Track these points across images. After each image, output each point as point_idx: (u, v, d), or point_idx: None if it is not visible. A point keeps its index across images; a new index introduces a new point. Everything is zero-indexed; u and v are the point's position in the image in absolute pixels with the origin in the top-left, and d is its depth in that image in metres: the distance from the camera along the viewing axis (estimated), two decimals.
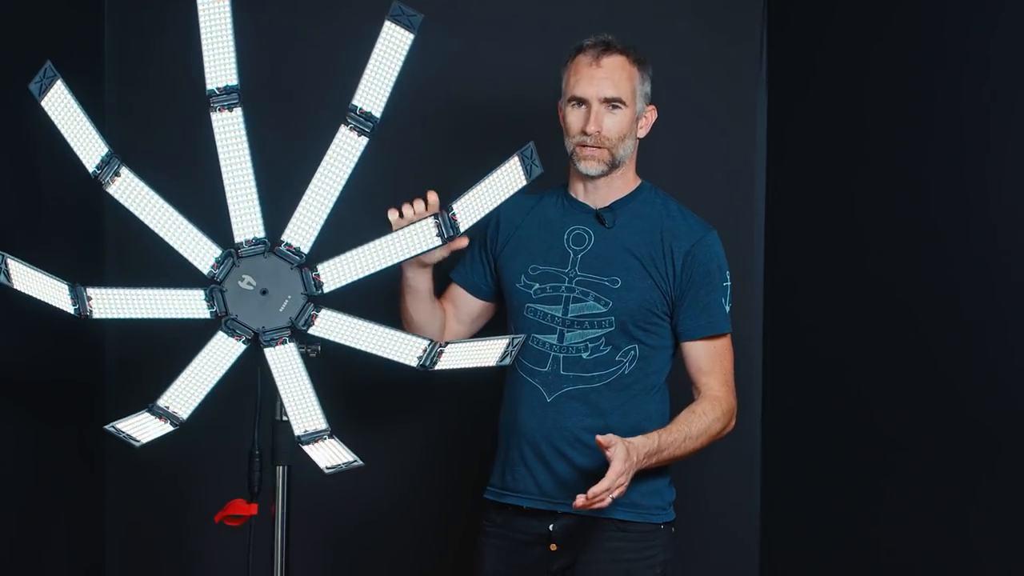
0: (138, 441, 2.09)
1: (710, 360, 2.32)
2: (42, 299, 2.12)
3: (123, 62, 2.93)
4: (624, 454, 2.08)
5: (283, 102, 2.84)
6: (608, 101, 2.27)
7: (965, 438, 2.29)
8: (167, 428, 2.13)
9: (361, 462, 2.09)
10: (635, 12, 2.94)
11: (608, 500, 2.06)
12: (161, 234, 2.12)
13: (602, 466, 2.24)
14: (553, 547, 2.30)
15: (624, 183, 2.36)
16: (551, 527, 2.30)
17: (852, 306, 2.69)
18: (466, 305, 2.48)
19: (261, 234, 2.13)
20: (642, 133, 2.35)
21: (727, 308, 2.34)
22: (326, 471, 2.08)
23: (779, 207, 2.94)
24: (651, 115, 2.36)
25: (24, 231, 2.52)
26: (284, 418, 2.17)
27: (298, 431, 2.12)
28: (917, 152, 2.47)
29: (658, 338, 2.33)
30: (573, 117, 2.30)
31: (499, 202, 2.11)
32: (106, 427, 2.10)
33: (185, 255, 2.12)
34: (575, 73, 2.30)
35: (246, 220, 2.12)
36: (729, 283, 2.35)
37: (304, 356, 2.14)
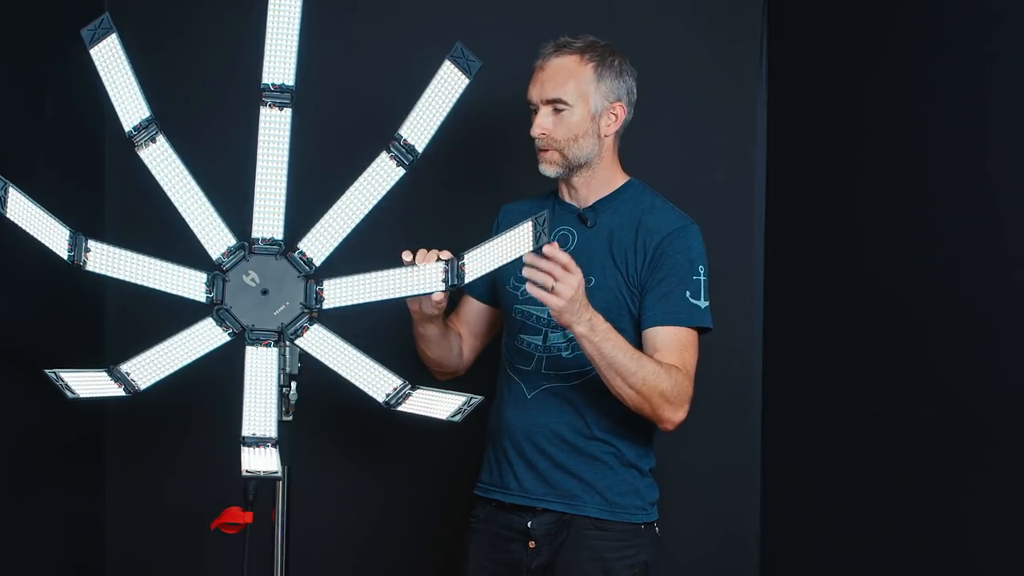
0: (74, 393, 2.13)
1: (666, 347, 2.24)
2: (36, 237, 2.11)
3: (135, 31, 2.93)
4: (567, 259, 2.04)
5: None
6: (550, 103, 2.27)
7: (967, 438, 2.29)
8: (119, 392, 2.15)
9: (480, 397, 2.13)
10: (635, 12, 2.94)
11: (545, 279, 2.03)
12: (181, 210, 2.13)
13: (581, 464, 2.29)
14: (532, 544, 2.30)
15: (604, 183, 2.35)
16: (529, 524, 2.31)
17: (852, 306, 2.69)
18: (476, 315, 2.50)
19: (280, 236, 2.13)
20: (609, 131, 2.31)
21: (699, 304, 2.26)
22: (453, 419, 2.12)
23: (779, 207, 2.94)
24: (619, 113, 2.31)
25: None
26: (284, 418, 2.17)
27: (380, 398, 2.14)
28: (918, 151, 2.47)
29: (635, 336, 2.30)
30: (532, 121, 2.31)
31: (505, 262, 2.09)
32: (45, 371, 2.13)
33: (199, 237, 2.13)
34: (531, 78, 2.32)
35: (268, 219, 2.13)
36: (702, 278, 2.27)
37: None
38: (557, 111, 2.26)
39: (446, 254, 2.16)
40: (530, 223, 2.02)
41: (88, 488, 2.94)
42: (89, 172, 2.92)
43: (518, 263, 2.33)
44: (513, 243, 2.05)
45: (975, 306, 2.28)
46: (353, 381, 2.14)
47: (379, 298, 2.14)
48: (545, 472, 2.31)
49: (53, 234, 2.13)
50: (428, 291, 2.15)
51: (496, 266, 2.09)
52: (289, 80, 2.10)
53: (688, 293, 2.25)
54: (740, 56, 2.96)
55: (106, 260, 2.14)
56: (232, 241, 2.14)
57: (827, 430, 2.76)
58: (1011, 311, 2.17)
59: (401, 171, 2.13)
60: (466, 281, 2.10)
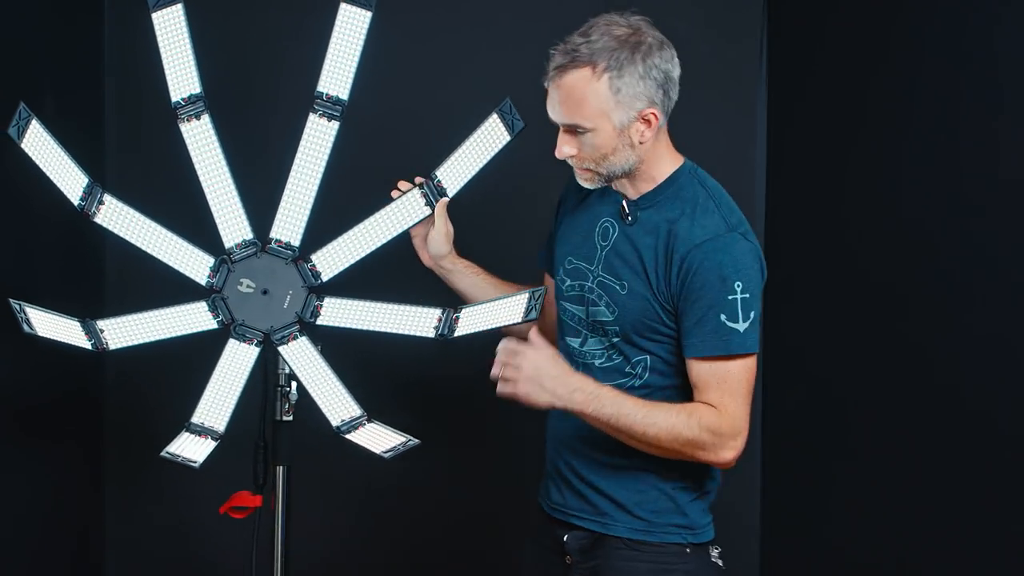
0: (196, 462, 2.10)
1: (704, 381, 1.99)
2: (62, 340, 2.13)
3: (123, 67, 2.94)
4: (515, 345, 1.94)
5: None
6: (567, 128, 2.01)
7: (966, 438, 2.29)
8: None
9: (416, 440, 2.08)
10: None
11: (499, 375, 1.94)
12: (152, 253, 2.13)
13: (611, 479, 2.09)
14: (568, 559, 2.12)
15: (648, 179, 2.06)
16: (565, 538, 2.12)
17: (851, 306, 2.69)
18: (553, 287, 2.23)
19: (250, 235, 2.13)
20: (645, 138, 2.01)
21: (738, 326, 1.96)
22: (384, 456, 2.08)
23: (779, 207, 2.94)
24: (652, 119, 2.00)
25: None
26: (284, 418, 2.18)
27: (335, 422, 2.13)
28: (918, 151, 2.47)
29: (672, 349, 2.05)
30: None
31: (484, 162, 2.09)
32: (162, 453, 2.11)
33: (180, 269, 2.13)
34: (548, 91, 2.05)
35: (232, 224, 2.13)
36: (739, 296, 1.96)
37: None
38: (577, 135, 2.00)
39: (419, 179, 2.15)
40: (527, 295, 2.02)
41: (89, 486, 2.95)
42: (89, 171, 2.92)
43: (567, 245, 2.17)
44: (507, 310, 2.05)
45: (973, 306, 2.28)
46: (316, 400, 2.14)
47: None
48: (578, 486, 2.12)
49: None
50: (416, 220, 2.14)
51: (486, 327, 2.10)
52: (344, 94, 2.10)
53: (723, 316, 1.96)
54: (740, 56, 2.96)
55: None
56: (249, 235, 2.14)
57: (827, 430, 2.76)
58: (1006, 312, 2.17)
59: (428, 210, 2.15)
60: (456, 334, 2.10)
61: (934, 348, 2.39)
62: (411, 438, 2.10)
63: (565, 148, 2.02)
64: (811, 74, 2.89)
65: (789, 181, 2.92)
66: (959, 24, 2.35)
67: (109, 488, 2.99)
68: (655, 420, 1.96)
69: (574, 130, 2.00)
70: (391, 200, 2.17)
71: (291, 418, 2.18)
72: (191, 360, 2.16)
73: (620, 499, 2.08)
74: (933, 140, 2.42)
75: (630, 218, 2.06)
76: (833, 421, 2.74)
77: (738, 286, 1.96)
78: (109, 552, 3.00)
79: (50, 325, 2.15)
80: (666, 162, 2.07)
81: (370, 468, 2.97)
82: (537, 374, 1.94)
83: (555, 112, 2.01)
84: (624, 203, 2.07)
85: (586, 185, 2.06)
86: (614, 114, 1.98)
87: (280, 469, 2.20)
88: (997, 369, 2.21)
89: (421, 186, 2.12)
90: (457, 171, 2.14)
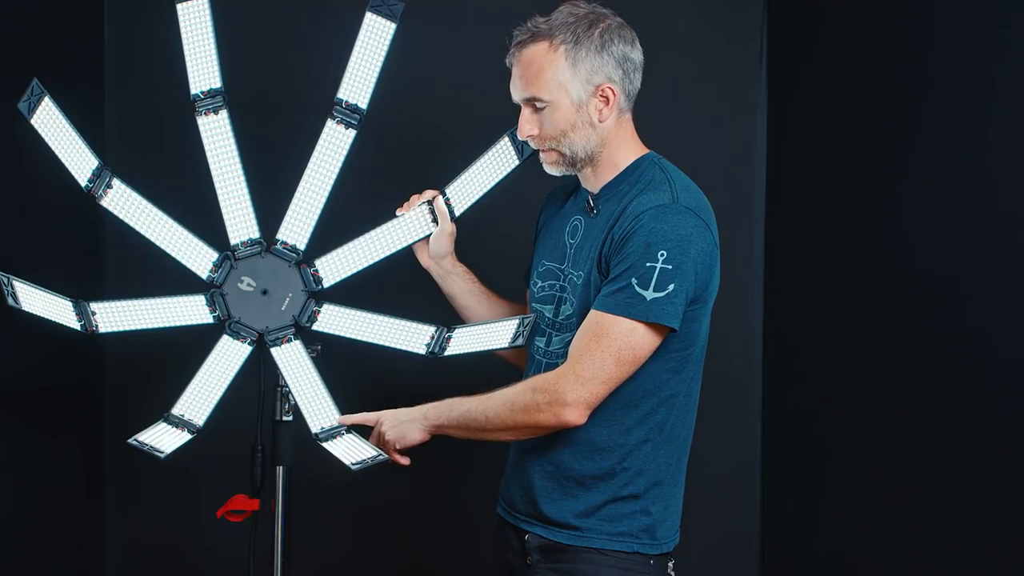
0: (162, 452, 2.08)
1: (581, 330, 1.94)
2: (49, 318, 2.12)
3: (123, 66, 2.93)
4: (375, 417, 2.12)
5: (273, 101, 2.84)
6: (527, 102, 2.01)
7: (965, 438, 2.29)
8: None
9: (385, 455, 2.09)
10: (635, 12, 2.93)
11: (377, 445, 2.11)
12: (157, 242, 2.13)
13: (561, 490, 2.04)
14: (528, 560, 2.08)
15: (610, 167, 2.04)
16: (526, 538, 2.08)
17: (852, 305, 2.69)
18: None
19: (256, 234, 2.13)
20: (604, 117, 2.00)
21: (646, 293, 1.89)
22: (352, 467, 2.08)
23: (779, 207, 2.94)
24: (610, 94, 1.99)
25: (23, 247, 2.53)
26: (284, 418, 2.18)
27: (314, 428, 2.13)
28: (918, 151, 2.47)
29: None
30: None
31: (493, 184, 2.13)
32: (129, 440, 2.09)
33: (182, 261, 2.13)
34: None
35: (240, 221, 2.13)
36: (661, 265, 1.89)
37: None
38: (537, 109, 2.00)
39: (429, 193, 2.18)
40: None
41: (89, 487, 2.94)
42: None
43: (542, 251, 2.17)
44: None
45: (973, 307, 2.28)
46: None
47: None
48: (530, 491, 2.08)
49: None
50: (422, 235, 2.17)
51: (476, 350, 2.13)
52: (363, 103, 2.11)
53: (634, 280, 1.90)
54: (740, 56, 2.96)
55: (113, 317, 2.13)
56: (256, 234, 2.14)
57: (827, 430, 2.76)
58: (1008, 313, 2.17)
59: (435, 227, 2.17)
60: (446, 354, 2.13)
61: (935, 349, 2.39)
62: (381, 452, 2.10)
63: (526, 126, 2.02)
64: (811, 74, 2.89)
65: (789, 181, 2.92)
66: (960, 25, 2.35)
67: (108, 490, 2.99)
68: (490, 402, 1.99)
69: (533, 105, 2.00)
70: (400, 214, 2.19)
71: (291, 418, 2.18)
72: (199, 360, 2.16)
73: (540, 498, 2.08)
74: (933, 139, 2.42)
75: (595, 211, 2.05)
76: (834, 421, 2.74)
77: (661, 255, 1.90)
78: (108, 554, 3.00)
79: (38, 301, 2.12)
80: (629, 150, 2.06)
81: (369, 469, 3.00)
82: (394, 422, 2.08)
83: (515, 88, 2.02)
84: (588, 197, 2.07)
85: (552, 170, 2.06)
86: (571, 87, 1.98)
87: (280, 469, 2.20)
88: (999, 371, 2.21)
89: (430, 202, 2.14)
90: (465, 191, 2.17)
